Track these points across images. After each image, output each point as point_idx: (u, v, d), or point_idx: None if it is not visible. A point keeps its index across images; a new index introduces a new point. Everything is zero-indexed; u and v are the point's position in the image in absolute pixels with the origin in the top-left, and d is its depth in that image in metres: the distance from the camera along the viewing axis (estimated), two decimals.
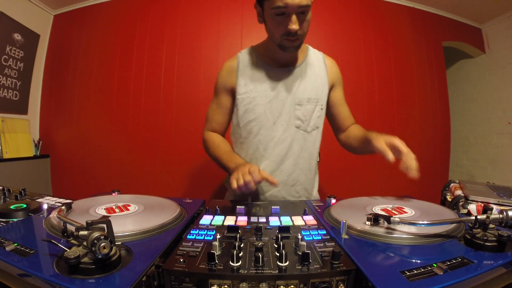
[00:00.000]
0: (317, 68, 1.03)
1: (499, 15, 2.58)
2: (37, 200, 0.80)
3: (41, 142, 2.38)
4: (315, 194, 1.11)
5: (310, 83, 1.01)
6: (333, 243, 0.51)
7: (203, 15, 2.24)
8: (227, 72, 1.03)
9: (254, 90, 0.98)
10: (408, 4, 2.50)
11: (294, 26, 0.83)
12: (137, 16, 2.30)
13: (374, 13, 2.39)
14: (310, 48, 1.07)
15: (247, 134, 1.02)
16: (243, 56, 1.03)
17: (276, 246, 0.48)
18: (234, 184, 0.79)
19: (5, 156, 2.09)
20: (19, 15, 2.18)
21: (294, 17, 0.83)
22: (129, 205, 0.70)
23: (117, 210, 0.67)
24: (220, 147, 1.03)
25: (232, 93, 1.02)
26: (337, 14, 2.30)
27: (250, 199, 0.81)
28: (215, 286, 0.40)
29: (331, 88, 1.07)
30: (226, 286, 0.40)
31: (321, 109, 1.03)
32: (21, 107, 2.29)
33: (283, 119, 0.99)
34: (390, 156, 0.76)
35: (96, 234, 0.40)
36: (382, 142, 0.80)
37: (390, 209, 0.69)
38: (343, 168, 2.21)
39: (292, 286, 0.41)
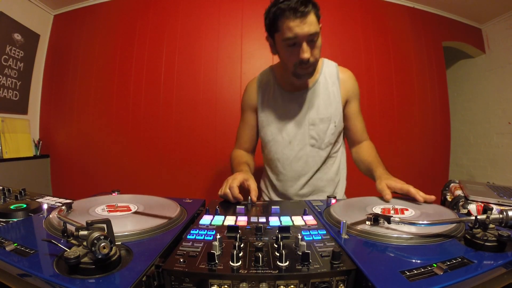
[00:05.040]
0: (330, 85, 1.03)
1: (499, 15, 2.58)
2: (37, 200, 0.80)
3: (41, 142, 2.38)
4: None
5: (322, 102, 1.02)
6: (333, 243, 0.51)
7: (203, 15, 2.24)
8: (249, 92, 1.11)
9: (270, 113, 1.06)
10: (408, 4, 2.50)
11: (306, 54, 0.86)
12: (137, 16, 2.30)
13: (374, 13, 2.39)
14: (325, 61, 1.07)
15: (268, 152, 1.09)
16: (262, 79, 1.09)
17: (276, 246, 0.48)
18: (220, 191, 0.85)
19: (5, 156, 2.09)
20: (19, 15, 2.18)
21: (304, 46, 0.85)
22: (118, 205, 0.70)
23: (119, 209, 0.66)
24: (235, 160, 1.08)
25: (256, 111, 1.10)
26: (337, 14, 2.30)
27: (250, 199, 0.81)
28: (215, 286, 0.40)
29: (345, 103, 1.06)
30: (226, 286, 0.40)
31: (335, 126, 1.03)
32: (21, 107, 2.29)
33: (298, 139, 1.04)
34: (388, 196, 0.76)
35: (96, 234, 0.40)
36: (384, 184, 0.80)
37: (390, 209, 0.69)
38: None
39: (292, 286, 0.40)
